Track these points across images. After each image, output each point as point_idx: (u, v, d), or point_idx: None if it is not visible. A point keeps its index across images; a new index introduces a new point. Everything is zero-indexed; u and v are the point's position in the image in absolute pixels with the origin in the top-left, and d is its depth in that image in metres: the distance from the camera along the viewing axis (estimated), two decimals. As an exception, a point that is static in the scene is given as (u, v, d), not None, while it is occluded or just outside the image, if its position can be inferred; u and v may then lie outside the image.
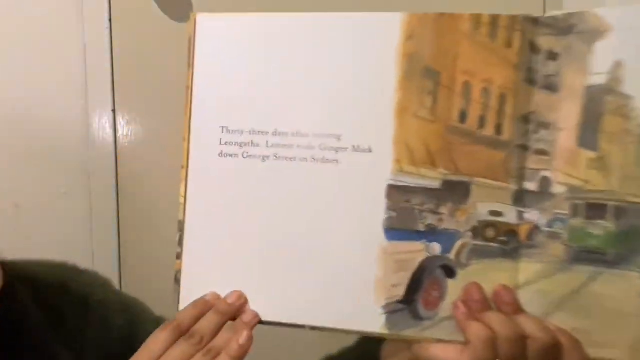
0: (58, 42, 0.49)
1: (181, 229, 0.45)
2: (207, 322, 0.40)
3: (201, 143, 0.44)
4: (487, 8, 0.40)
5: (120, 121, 0.72)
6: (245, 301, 0.42)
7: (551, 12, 0.40)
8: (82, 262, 0.51)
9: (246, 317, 0.41)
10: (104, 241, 0.72)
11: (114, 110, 0.71)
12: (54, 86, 0.53)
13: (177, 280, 0.44)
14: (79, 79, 0.64)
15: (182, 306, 0.44)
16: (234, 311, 0.41)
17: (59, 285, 0.49)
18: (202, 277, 0.44)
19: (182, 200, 0.45)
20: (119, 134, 0.72)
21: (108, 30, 0.70)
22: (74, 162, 0.71)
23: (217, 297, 0.42)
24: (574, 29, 0.39)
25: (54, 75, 0.50)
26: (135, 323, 0.51)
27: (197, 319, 0.40)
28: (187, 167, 0.44)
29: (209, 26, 0.44)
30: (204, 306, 0.41)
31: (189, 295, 0.44)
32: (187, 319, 0.40)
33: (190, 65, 0.44)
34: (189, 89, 0.44)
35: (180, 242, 0.45)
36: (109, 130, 0.71)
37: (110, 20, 0.70)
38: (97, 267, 0.56)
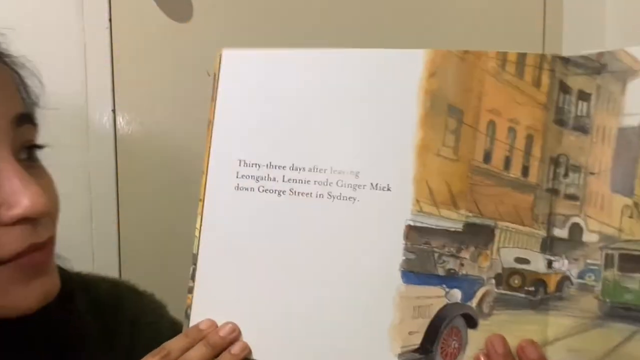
0: (58, 42, 0.49)
1: (195, 262, 0.44)
2: (196, 353, 0.39)
3: (218, 176, 0.43)
4: (486, 45, 0.39)
5: (120, 121, 0.71)
6: (238, 334, 0.41)
7: (583, 52, 0.38)
8: (82, 262, 0.51)
9: (234, 349, 0.40)
10: (104, 241, 0.71)
11: (114, 110, 0.70)
12: (54, 86, 0.53)
13: (187, 316, 0.43)
14: (79, 79, 0.64)
15: (189, 343, 0.42)
16: (226, 344, 0.40)
17: (114, 303, 0.50)
18: (210, 314, 0.42)
19: (197, 233, 0.44)
20: (119, 134, 0.71)
21: (108, 30, 0.69)
22: (74, 162, 0.70)
23: (212, 325, 0.41)
24: (606, 68, 0.37)
25: (54, 75, 0.50)
26: None
27: (187, 349, 0.39)
28: (204, 200, 0.44)
29: (234, 61, 0.44)
30: (196, 335, 0.40)
31: (196, 331, 0.42)
32: (177, 349, 0.39)
33: (214, 99, 0.44)
34: (211, 122, 0.44)
35: (193, 276, 0.44)
36: (109, 130, 0.70)
37: (110, 20, 0.69)
38: (97, 267, 0.54)
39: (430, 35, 0.76)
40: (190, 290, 0.43)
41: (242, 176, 0.43)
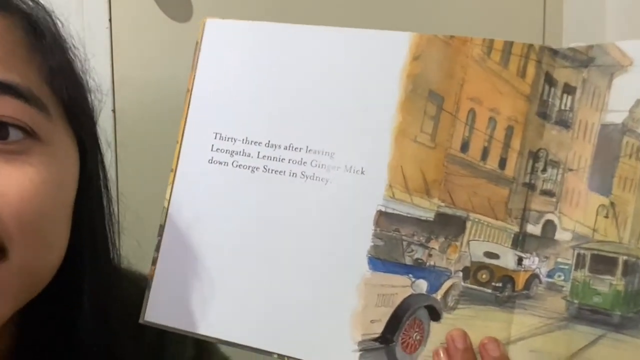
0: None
1: (161, 234, 0.43)
2: None
3: (192, 147, 0.43)
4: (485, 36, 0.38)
5: (120, 121, 0.72)
6: None
7: (572, 44, 0.37)
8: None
9: None
10: (104, 241, 0.72)
11: (114, 111, 0.71)
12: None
13: (148, 287, 0.42)
14: (79, 79, 0.66)
15: (147, 315, 0.42)
16: None
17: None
18: (171, 287, 0.42)
19: (165, 204, 0.43)
20: (119, 134, 0.72)
21: (108, 30, 0.70)
22: (73, 162, 0.71)
23: None
24: (594, 62, 0.35)
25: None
26: (207, 351, 0.51)
27: None
28: (176, 170, 0.43)
29: (218, 31, 0.43)
30: None
31: (155, 305, 0.41)
32: None
33: (194, 68, 0.43)
34: (189, 91, 0.44)
35: (158, 248, 0.43)
36: (109, 130, 0.71)
37: (110, 20, 0.71)
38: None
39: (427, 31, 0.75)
40: (154, 262, 0.43)
41: (216, 149, 0.42)
